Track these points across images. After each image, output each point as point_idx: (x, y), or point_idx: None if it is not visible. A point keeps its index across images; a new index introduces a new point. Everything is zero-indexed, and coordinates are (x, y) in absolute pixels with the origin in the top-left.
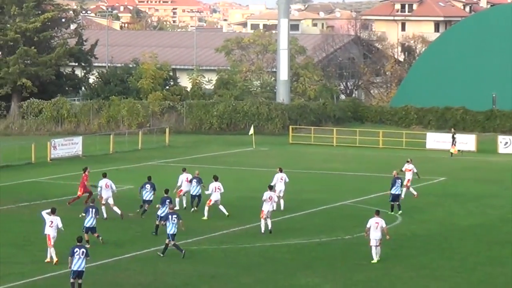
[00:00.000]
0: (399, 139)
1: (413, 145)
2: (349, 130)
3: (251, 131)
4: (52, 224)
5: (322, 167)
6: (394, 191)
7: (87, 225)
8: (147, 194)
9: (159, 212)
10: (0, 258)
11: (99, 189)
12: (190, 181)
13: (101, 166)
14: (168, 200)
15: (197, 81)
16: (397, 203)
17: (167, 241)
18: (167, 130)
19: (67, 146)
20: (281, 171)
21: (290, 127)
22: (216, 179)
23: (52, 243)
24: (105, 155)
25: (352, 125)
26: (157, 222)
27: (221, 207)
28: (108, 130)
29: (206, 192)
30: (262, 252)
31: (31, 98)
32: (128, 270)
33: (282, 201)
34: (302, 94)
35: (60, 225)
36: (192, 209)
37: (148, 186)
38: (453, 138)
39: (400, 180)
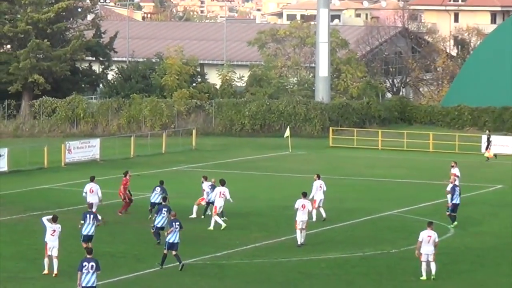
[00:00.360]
0: (451, 142)
1: (466, 149)
2: (395, 132)
3: (287, 133)
4: (54, 233)
5: (365, 173)
6: (453, 200)
7: (85, 233)
8: (156, 197)
9: (155, 222)
10: (10, 272)
11: (84, 194)
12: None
13: (120, 172)
14: (166, 209)
15: (227, 78)
16: (454, 214)
17: (164, 250)
18: (193, 131)
19: (83, 150)
20: (319, 178)
21: (330, 128)
22: (223, 183)
23: (50, 253)
24: (125, 159)
25: (399, 127)
26: (152, 231)
27: (217, 217)
28: (129, 131)
29: (211, 199)
30: (299, 267)
31: (43, 96)
32: (151, 287)
33: (322, 210)
34: (344, 92)
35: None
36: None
37: (158, 189)
38: (488, 141)
39: (459, 188)
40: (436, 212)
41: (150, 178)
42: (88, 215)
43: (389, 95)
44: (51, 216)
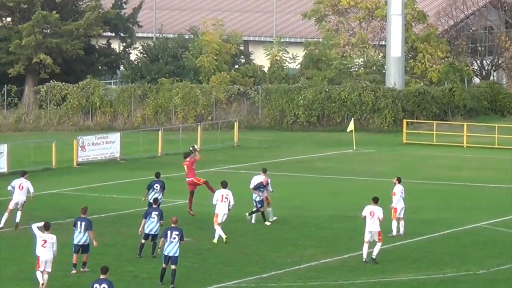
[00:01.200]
0: None
1: None
2: (485, 125)
3: (351, 126)
4: (45, 244)
5: (448, 176)
6: None
7: (75, 242)
8: (154, 195)
9: (145, 228)
10: None
11: (10, 188)
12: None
13: (145, 174)
14: (156, 213)
15: (278, 58)
16: None
17: (163, 265)
18: (235, 124)
19: (100, 146)
20: (399, 181)
21: (404, 121)
22: (224, 185)
23: (44, 268)
24: (152, 159)
25: (490, 119)
26: (142, 241)
27: (218, 228)
28: (156, 124)
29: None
30: None
31: (51, 81)
32: None
33: (402, 223)
34: (421, 77)
35: (55, 247)
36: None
37: (157, 186)
38: None
39: None
40: None
41: (182, 181)
42: (78, 222)
43: (477, 80)
44: (42, 223)
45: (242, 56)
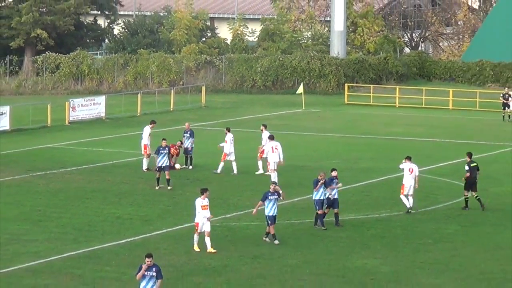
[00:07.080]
0: (472, 99)
1: (488, 107)
2: (414, 88)
3: (300, 89)
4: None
5: (382, 131)
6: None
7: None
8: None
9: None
10: (12, 235)
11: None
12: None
13: (126, 130)
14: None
15: (239, 32)
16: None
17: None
18: (203, 88)
19: (88, 107)
20: (272, 139)
21: (346, 85)
22: (272, 138)
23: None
24: (132, 118)
25: (418, 83)
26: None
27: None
28: (135, 88)
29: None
30: (312, 229)
31: (46, 52)
32: (158, 249)
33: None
34: (360, 47)
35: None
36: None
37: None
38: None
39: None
40: (454, 172)
41: (158, 137)
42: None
43: (407, 50)
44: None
45: (208, 31)
